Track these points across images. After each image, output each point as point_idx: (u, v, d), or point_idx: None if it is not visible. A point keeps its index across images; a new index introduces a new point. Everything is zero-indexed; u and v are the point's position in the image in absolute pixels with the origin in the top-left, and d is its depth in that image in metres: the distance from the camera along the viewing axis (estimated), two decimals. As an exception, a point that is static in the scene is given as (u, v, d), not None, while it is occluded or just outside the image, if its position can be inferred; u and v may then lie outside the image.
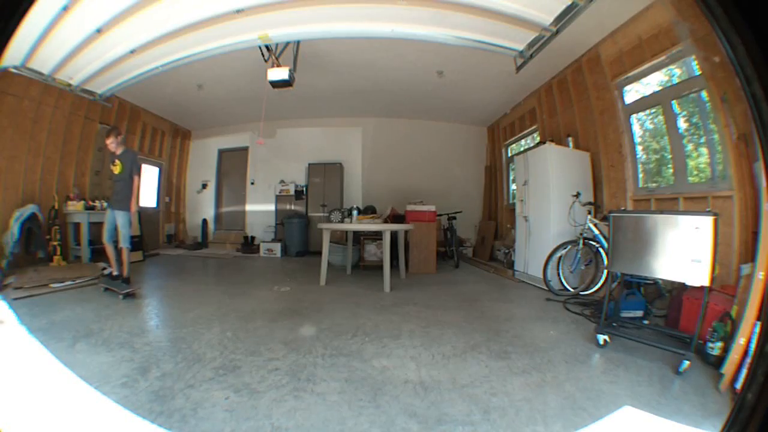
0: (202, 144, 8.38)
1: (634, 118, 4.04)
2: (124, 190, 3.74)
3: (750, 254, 2.47)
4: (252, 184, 8.05)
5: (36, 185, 4.92)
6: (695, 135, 3.51)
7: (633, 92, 4.03)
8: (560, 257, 3.97)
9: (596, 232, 3.81)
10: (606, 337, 2.41)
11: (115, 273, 3.80)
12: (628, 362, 2.17)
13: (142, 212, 6.31)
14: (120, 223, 3.73)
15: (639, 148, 4.04)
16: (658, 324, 2.90)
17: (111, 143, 3.72)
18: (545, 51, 4.01)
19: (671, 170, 3.67)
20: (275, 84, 4.56)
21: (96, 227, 5.60)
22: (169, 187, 7.97)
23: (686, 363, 2.00)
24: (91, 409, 1.60)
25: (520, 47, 4.08)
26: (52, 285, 3.73)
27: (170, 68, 4.67)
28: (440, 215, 6.07)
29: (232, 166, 8.24)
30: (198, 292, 4.07)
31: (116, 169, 3.75)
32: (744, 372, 1.72)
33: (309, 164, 7.78)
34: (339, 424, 1.52)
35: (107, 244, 3.73)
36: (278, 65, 4.53)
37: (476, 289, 4.35)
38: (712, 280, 2.03)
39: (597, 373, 2.09)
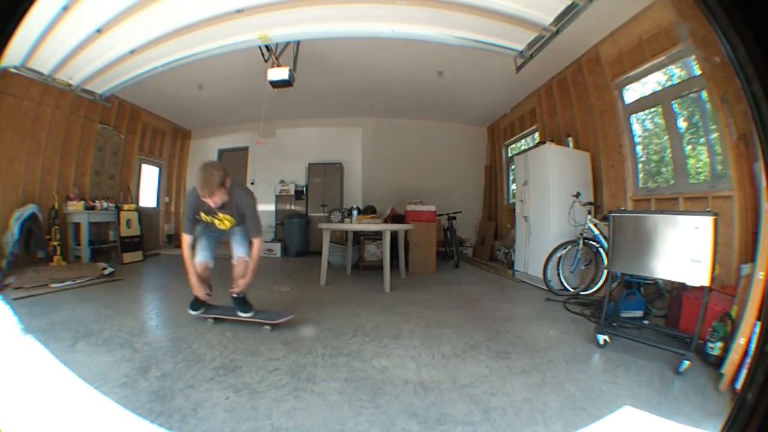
0: (202, 144, 8.38)
1: (634, 118, 4.04)
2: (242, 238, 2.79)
3: (750, 254, 2.47)
4: (252, 184, 8.05)
5: (36, 185, 4.92)
6: (695, 135, 3.51)
7: (633, 92, 4.03)
8: (560, 257, 3.97)
9: (596, 232, 3.81)
10: (606, 337, 2.41)
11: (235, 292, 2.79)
12: (628, 362, 2.17)
13: (142, 212, 6.31)
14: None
15: (639, 148, 4.04)
16: (658, 324, 2.90)
17: (217, 197, 2.42)
18: (545, 51, 4.02)
19: (671, 170, 3.67)
20: (275, 84, 4.56)
21: (96, 227, 5.62)
22: (169, 187, 7.97)
23: (686, 363, 2.00)
24: (91, 409, 1.60)
25: (520, 47, 4.08)
26: (52, 285, 3.73)
27: (170, 68, 4.67)
28: (440, 215, 6.06)
29: (232, 166, 8.24)
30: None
31: (224, 224, 2.68)
32: (744, 372, 1.72)
33: (309, 164, 7.79)
34: (339, 424, 1.52)
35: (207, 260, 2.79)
36: (278, 65, 4.53)
37: (476, 289, 4.35)
38: (712, 280, 2.03)
39: (597, 373, 2.09)
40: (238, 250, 2.81)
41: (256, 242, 2.72)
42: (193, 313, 2.81)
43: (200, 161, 2.68)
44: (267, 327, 2.69)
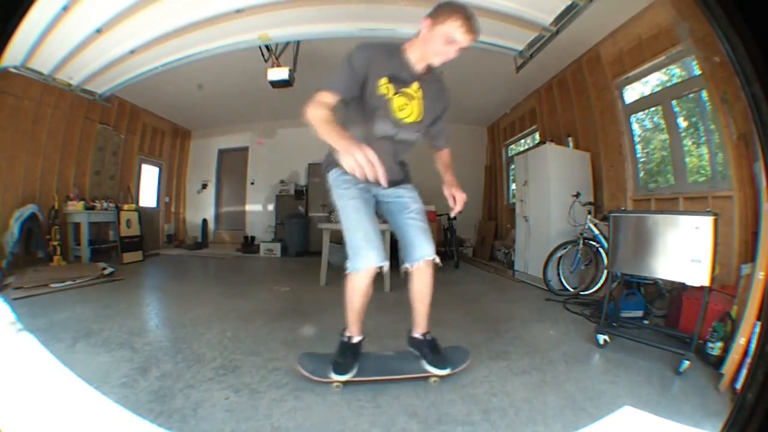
0: (202, 144, 8.38)
1: (634, 118, 4.04)
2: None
3: (750, 254, 2.47)
4: (252, 184, 8.05)
5: (36, 185, 4.92)
6: (695, 135, 3.51)
7: (633, 92, 4.03)
8: (560, 257, 3.97)
9: (596, 232, 3.81)
10: (606, 337, 2.41)
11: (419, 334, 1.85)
12: (628, 362, 2.17)
13: (142, 212, 6.31)
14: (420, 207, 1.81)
15: (639, 148, 4.04)
16: (658, 324, 2.90)
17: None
18: (545, 51, 4.02)
19: (671, 170, 3.67)
20: (275, 84, 4.56)
21: (96, 227, 5.62)
22: (169, 187, 7.97)
23: (686, 363, 2.00)
24: (91, 409, 1.60)
25: (520, 47, 4.09)
26: (52, 285, 3.73)
27: (170, 68, 4.67)
28: (440, 215, 6.06)
29: (232, 166, 8.25)
30: (198, 292, 4.07)
31: (409, 111, 1.62)
32: (744, 372, 1.72)
33: (309, 164, 7.78)
34: (339, 424, 1.52)
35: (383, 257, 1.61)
36: (278, 65, 4.53)
37: (476, 289, 4.34)
38: (712, 280, 2.03)
39: (597, 373, 2.08)
40: (421, 244, 1.68)
41: (447, 154, 1.83)
42: (340, 378, 1.67)
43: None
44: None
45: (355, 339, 1.76)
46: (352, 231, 1.58)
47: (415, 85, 1.61)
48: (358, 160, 1.23)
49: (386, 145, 1.64)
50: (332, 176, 1.74)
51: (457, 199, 1.68)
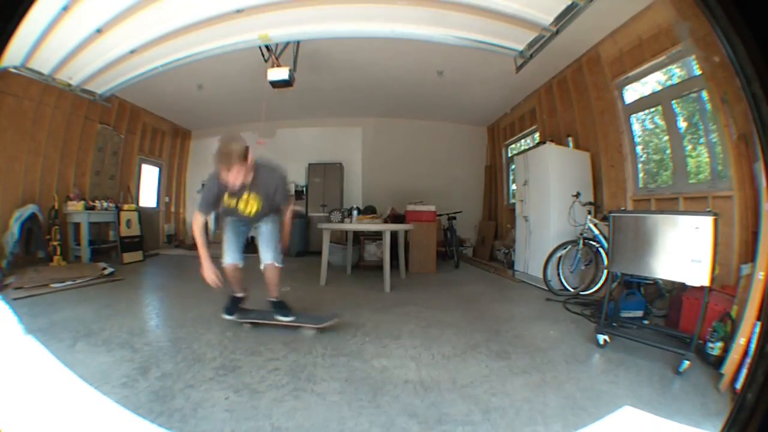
0: (202, 144, 8.38)
1: (634, 118, 4.04)
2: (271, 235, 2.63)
3: (750, 254, 2.47)
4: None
5: (36, 185, 4.92)
6: (695, 135, 3.51)
7: (633, 92, 4.03)
8: (560, 257, 3.97)
9: (596, 232, 3.81)
10: (606, 337, 2.41)
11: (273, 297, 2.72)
12: (628, 362, 2.17)
13: (142, 212, 6.31)
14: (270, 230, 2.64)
15: (639, 148, 4.04)
16: (658, 324, 2.90)
17: (238, 172, 2.21)
18: (545, 51, 4.01)
19: (671, 170, 3.67)
20: (275, 84, 4.56)
21: (96, 227, 5.62)
22: (169, 187, 7.97)
23: (686, 363, 2.00)
24: (91, 409, 1.60)
25: (520, 47, 4.08)
26: (52, 285, 3.73)
27: (170, 68, 4.67)
28: (440, 215, 6.07)
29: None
30: (198, 292, 4.06)
31: (249, 207, 2.45)
32: (744, 372, 1.72)
33: (309, 164, 7.78)
34: (339, 424, 1.52)
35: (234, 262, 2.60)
36: (278, 65, 4.53)
37: (476, 289, 4.35)
38: (712, 280, 2.03)
39: (597, 373, 2.09)
40: (265, 255, 2.58)
41: (288, 211, 2.62)
42: (228, 317, 2.67)
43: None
44: (310, 331, 2.56)
45: (238, 295, 2.72)
46: (224, 243, 2.64)
47: (245, 195, 2.39)
48: (208, 278, 2.39)
49: (243, 220, 2.62)
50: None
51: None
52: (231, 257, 2.58)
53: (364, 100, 6.85)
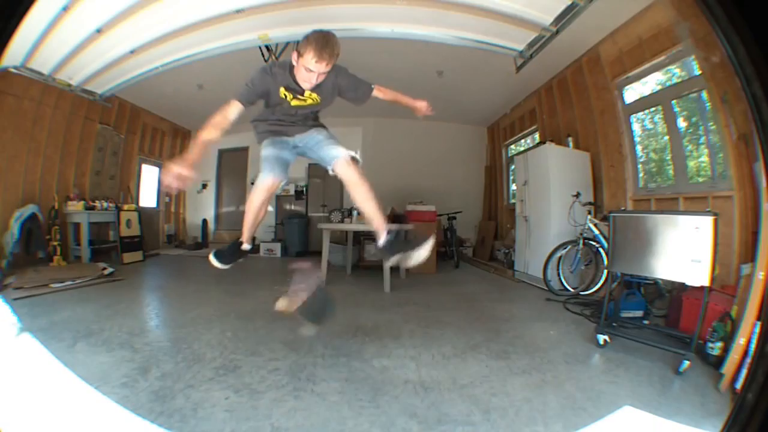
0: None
1: (634, 118, 4.04)
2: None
3: (750, 254, 2.47)
4: (252, 184, 8.03)
5: (36, 185, 4.92)
6: (695, 135, 3.51)
7: (633, 92, 4.03)
8: (560, 257, 3.97)
9: (596, 232, 3.81)
10: (606, 337, 2.41)
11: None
12: (628, 362, 2.17)
13: (142, 212, 6.31)
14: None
15: (639, 148, 4.04)
16: (658, 324, 2.90)
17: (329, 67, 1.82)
18: (545, 51, 4.02)
19: (671, 170, 3.67)
20: (275, 84, 4.55)
21: (96, 227, 5.62)
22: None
23: (686, 363, 2.00)
24: (91, 409, 1.60)
25: (520, 47, 4.08)
26: (52, 285, 3.73)
27: (170, 68, 4.67)
28: (440, 215, 6.07)
29: (232, 166, 8.24)
30: (198, 292, 4.07)
31: (305, 101, 2.00)
32: (744, 372, 1.72)
33: (309, 164, 7.78)
34: (339, 424, 1.52)
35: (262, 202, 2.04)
36: (278, 65, 4.53)
37: (476, 289, 4.35)
38: (712, 280, 2.03)
39: (597, 373, 2.09)
40: (335, 151, 1.94)
41: (383, 90, 2.12)
42: (218, 264, 2.13)
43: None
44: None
45: (244, 246, 2.18)
46: (261, 162, 2.03)
47: (307, 93, 1.96)
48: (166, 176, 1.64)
49: (288, 119, 2.09)
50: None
51: (418, 105, 2.13)
52: (272, 172, 1.94)
53: (364, 100, 6.85)
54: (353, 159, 1.92)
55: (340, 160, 1.90)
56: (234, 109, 1.89)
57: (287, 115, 2.07)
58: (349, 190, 1.94)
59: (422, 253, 1.74)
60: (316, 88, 1.94)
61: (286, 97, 1.96)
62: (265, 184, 1.97)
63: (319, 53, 1.75)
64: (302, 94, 1.95)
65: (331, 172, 1.96)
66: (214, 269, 2.14)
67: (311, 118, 2.16)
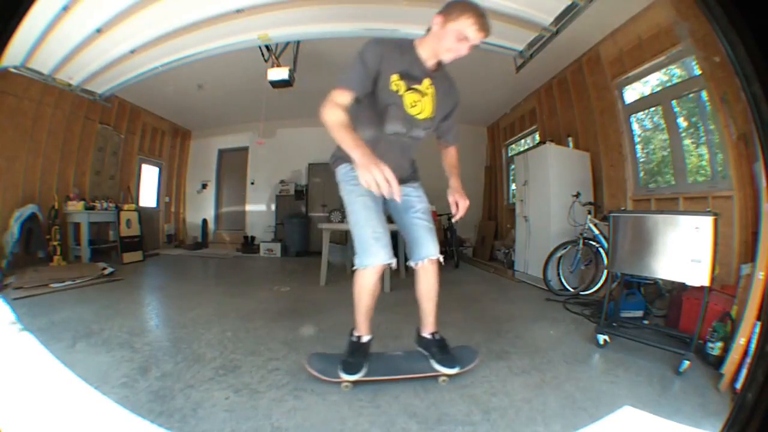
0: (202, 144, 8.38)
1: (634, 118, 4.04)
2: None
3: (750, 254, 2.47)
4: (252, 184, 8.05)
5: (36, 185, 4.92)
6: (695, 135, 3.51)
7: (633, 92, 4.03)
8: (560, 257, 3.97)
9: (596, 232, 3.81)
10: (606, 337, 2.41)
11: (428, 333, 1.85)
12: (628, 362, 2.17)
13: (142, 212, 6.31)
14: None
15: (639, 148, 4.04)
16: (658, 324, 2.90)
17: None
18: (545, 51, 4.02)
19: (671, 170, 3.67)
20: (275, 84, 4.56)
21: (96, 227, 5.62)
22: (169, 187, 7.97)
23: (686, 363, 2.00)
24: (91, 409, 1.60)
25: (520, 47, 4.09)
26: (52, 285, 3.73)
27: (170, 68, 4.67)
28: (440, 215, 6.06)
29: (232, 166, 8.25)
30: (198, 292, 4.07)
31: (421, 107, 1.62)
32: (744, 372, 1.72)
33: (309, 164, 7.79)
34: (339, 424, 1.52)
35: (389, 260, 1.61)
36: (278, 65, 4.53)
37: (476, 289, 4.34)
38: (712, 280, 2.03)
39: (597, 373, 2.08)
40: (427, 243, 1.69)
41: (454, 152, 1.81)
42: (350, 378, 1.68)
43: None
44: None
45: (365, 338, 1.76)
46: (362, 227, 1.59)
47: (426, 82, 1.61)
48: (376, 178, 1.27)
49: (397, 142, 1.66)
50: (341, 171, 1.73)
51: (459, 206, 1.65)
52: (384, 249, 1.56)
53: (364, 100, 6.84)
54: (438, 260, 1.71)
55: (433, 259, 1.70)
56: (345, 98, 1.51)
57: (398, 135, 1.61)
58: (420, 281, 1.78)
59: (446, 371, 1.69)
60: (436, 80, 1.60)
61: (398, 90, 1.55)
62: (379, 268, 1.59)
63: (482, 21, 1.46)
64: (420, 83, 1.56)
65: (413, 266, 1.74)
66: (344, 382, 1.72)
67: (413, 150, 1.72)
